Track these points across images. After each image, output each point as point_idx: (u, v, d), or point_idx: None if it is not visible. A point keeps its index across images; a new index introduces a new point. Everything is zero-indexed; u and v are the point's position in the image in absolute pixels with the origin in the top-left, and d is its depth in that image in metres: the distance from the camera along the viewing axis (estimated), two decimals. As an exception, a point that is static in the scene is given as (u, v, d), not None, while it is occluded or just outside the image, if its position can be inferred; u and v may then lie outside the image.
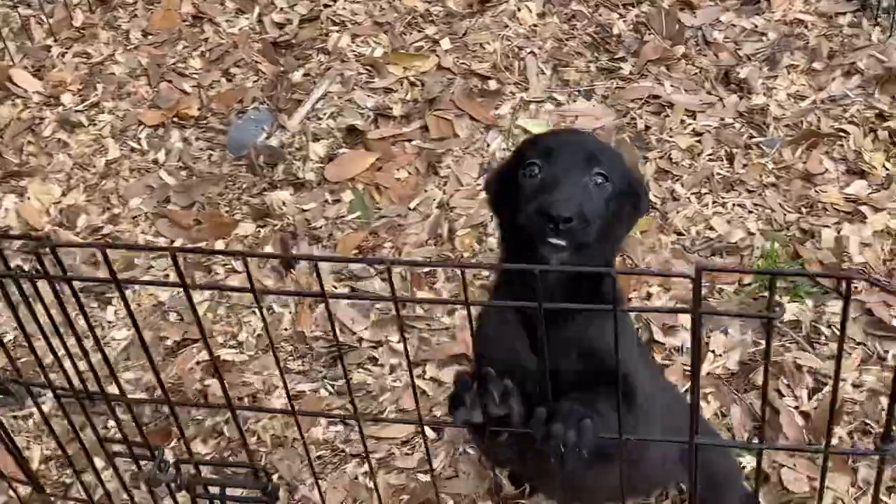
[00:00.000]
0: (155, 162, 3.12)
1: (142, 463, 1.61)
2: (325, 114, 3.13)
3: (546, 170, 1.48)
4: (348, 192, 2.91)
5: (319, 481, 2.24)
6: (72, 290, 1.38)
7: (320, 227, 2.83)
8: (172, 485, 1.55)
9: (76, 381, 1.50)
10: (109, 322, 2.72)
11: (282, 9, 3.50)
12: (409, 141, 3.03)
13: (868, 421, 2.25)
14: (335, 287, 2.69)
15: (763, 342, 2.43)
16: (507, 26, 3.31)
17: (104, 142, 3.20)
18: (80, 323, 1.42)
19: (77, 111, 3.30)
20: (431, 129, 3.04)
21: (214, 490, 1.56)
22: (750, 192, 2.79)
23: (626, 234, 1.68)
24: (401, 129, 3.05)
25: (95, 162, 3.13)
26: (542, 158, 1.49)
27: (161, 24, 3.55)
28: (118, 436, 1.59)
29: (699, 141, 2.92)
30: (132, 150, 3.17)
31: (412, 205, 2.86)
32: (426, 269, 2.71)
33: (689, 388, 1.34)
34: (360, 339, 2.57)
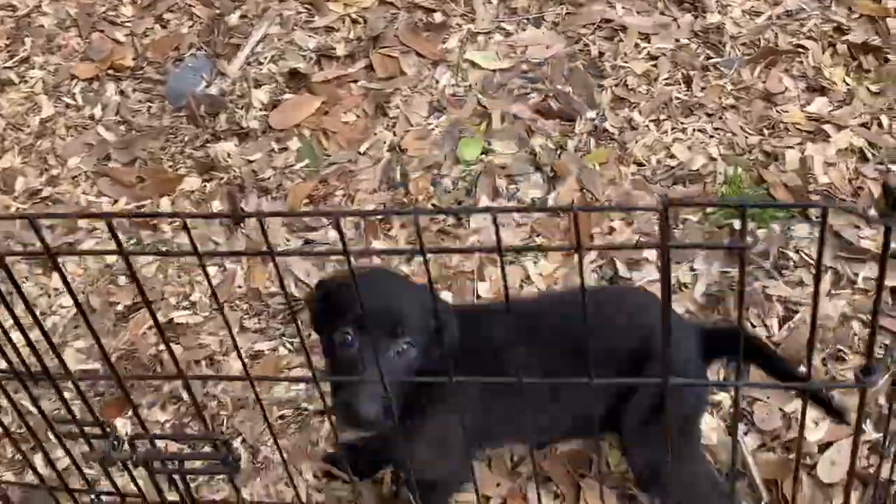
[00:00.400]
0: (92, 118, 2.98)
1: (95, 441, 1.53)
2: (265, 58, 3.00)
3: (357, 342, 1.62)
4: (295, 140, 2.79)
5: (282, 441, 2.18)
6: (4, 269, 1.26)
7: (268, 178, 2.73)
8: (128, 462, 1.46)
9: (18, 360, 1.40)
10: (56, 289, 2.60)
11: (214, -53, 3.35)
12: (355, 82, 2.91)
13: (841, 347, 2.20)
14: (287, 240, 2.60)
15: (731, 271, 2.38)
16: (450, -43, 3.18)
17: (37, 99, 3.05)
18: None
19: (6, 68, 3.14)
20: (377, 69, 2.92)
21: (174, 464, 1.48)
22: (709, 115, 2.71)
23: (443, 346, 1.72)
24: (345, 69, 2.93)
25: (29, 121, 2.99)
26: (354, 328, 1.62)
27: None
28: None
29: (655, 65, 2.83)
30: (67, 106, 3.03)
31: (362, 149, 2.76)
32: (381, 217, 2.61)
33: (662, 316, 1.31)
34: (317, 293, 2.48)
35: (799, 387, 1.30)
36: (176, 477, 1.52)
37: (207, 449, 1.47)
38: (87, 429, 1.53)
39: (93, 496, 1.59)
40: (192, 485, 1.62)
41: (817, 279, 1.06)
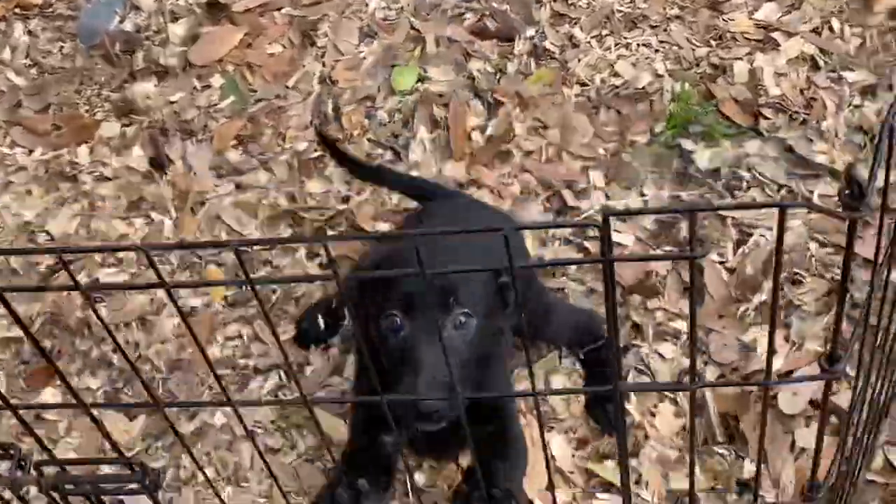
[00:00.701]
0: (0, 62, 2.79)
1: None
2: (179, -15, 2.81)
3: (409, 328, 1.47)
4: (218, 76, 2.63)
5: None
6: None
7: (192, 120, 2.56)
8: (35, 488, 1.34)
9: None
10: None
11: None
12: (279, 10, 2.73)
13: (798, 270, 2.12)
14: (216, 186, 2.45)
15: (682, 195, 2.28)
16: None
17: (-67, 46, 2.84)
18: None
19: None
20: (302, -9, 2.74)
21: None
22: (654, 27, 2.58)
23: (511, 319, 1.62)
24: (265, -3, 2.75)
25: (-70, 69, 2.79)
26: (403, 311, 1.46)
27: None
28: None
29: (595, -24, 2.68)
30: (-38, 54, 2.82)
31: (290, 83, 2.60)
32: (315, 155, 2.47)
33: (608, 328, 1.22)
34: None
35: (759, 384, 1.25)
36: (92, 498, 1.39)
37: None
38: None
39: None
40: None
41: (774, 298, 0.95)
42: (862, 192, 0.76)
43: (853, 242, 0.83)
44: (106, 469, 1.19)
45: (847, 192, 0.77)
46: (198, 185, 2.45)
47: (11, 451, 1.32)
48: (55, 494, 1.31)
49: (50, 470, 1.32)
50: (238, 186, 2.44)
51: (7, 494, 1.45)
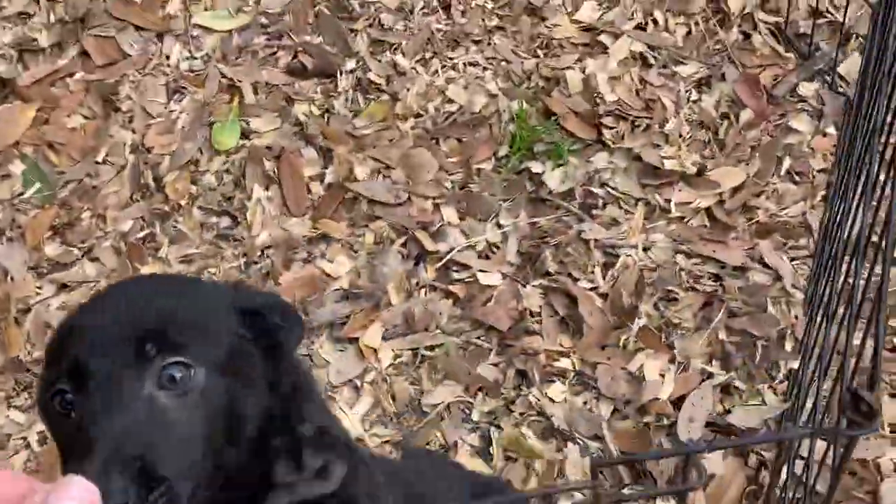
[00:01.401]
0: None
1: None
2: (-50, 63, 2.50)
3: (79, 400, 0.90)
4: (17, 162, 2.36)
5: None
6: None
7: (-4, 219, 2.30)
8: None
9: None
10: None
11: None
12: (71, 76, 2.47)
13: (671, 287, 2.09)
14: (39, 288, 2.21)
15: (540, 220, 2.20)
16: None
17: None
18: None
19: None
20: (94, 55, 2.48)
21: None
22: (477, 42, 2.47)
23: (282, 379, 1.03)
24: (55, 63, 2.48)
25: None
26: (71, 381, 0.91)
27: None
28: None
29: (405, -4, 2.54)
30: None
31: (99, 157, 2.36)
32: (142, 234, 2.26)
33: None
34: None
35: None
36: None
37: None
38: None
39: None
40: None
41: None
42: (872, 411, 0.68)
43: (847, 459, 0.75)
44: None
45: (851, 407, 0.68)
46: (17, 290, 2.21)
47: None
48: None
49: None
50: (64, 286, 2.21)
51: None
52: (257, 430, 0.97)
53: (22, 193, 2.33)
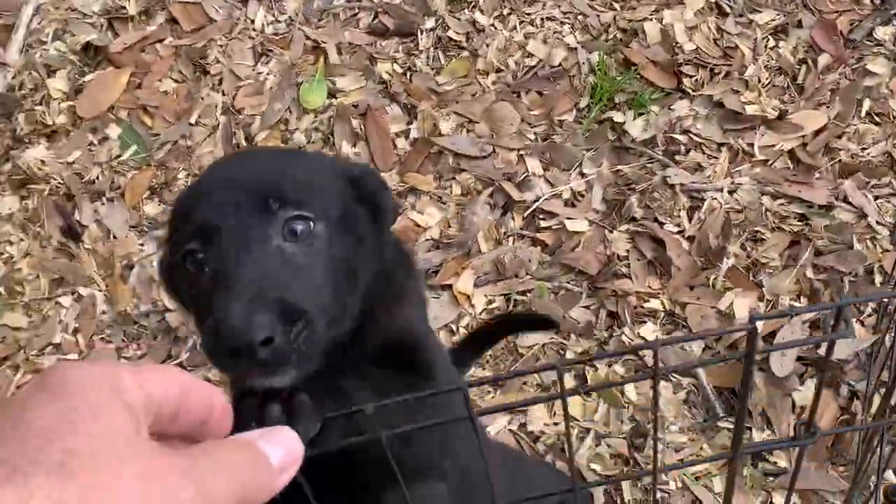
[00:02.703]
0: None
1: None
2: (47, 35, 2.59)
3: (212, 255, 0.94)
4: (113, 126, 2.44)
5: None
6: None
7: (96, 178, 2.39)
8: None
9: None
10: None
11: None
12: (160, 42, 2.55)
13: (758, 228, 2.13)
14: (141, 245, 2.30)
15: (623, 168, 2.25)
16: None
17: None
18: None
19: None
20: (181, 21, 2.57)
21: None
22: (553, -1, 2.52)
23: (383, 246, 1.08)
24: (145, 30, 2.56)
25: None
26: (200, 239, 0.94)
27: None
28: None
29: (482, -47, 2.60)
30: None
31: (192, 119, 2.44)
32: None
33: (738, 413, 1.18)
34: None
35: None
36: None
37: None
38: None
39: None
40: None
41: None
42: None
43: None
44: None
45: None
46: (120, 248, 2.29)
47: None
48: None
49: None
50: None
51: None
52: (368, 288, 1.03)
53: (119, 156, 2.41)
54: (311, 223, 0.96)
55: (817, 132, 2.22)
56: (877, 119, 2.24)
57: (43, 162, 2.41)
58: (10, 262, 2.31)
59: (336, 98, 2.42)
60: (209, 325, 0.87)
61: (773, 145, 2.22)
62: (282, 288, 0.89)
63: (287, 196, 0.95)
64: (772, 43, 2.37)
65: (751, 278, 2.09)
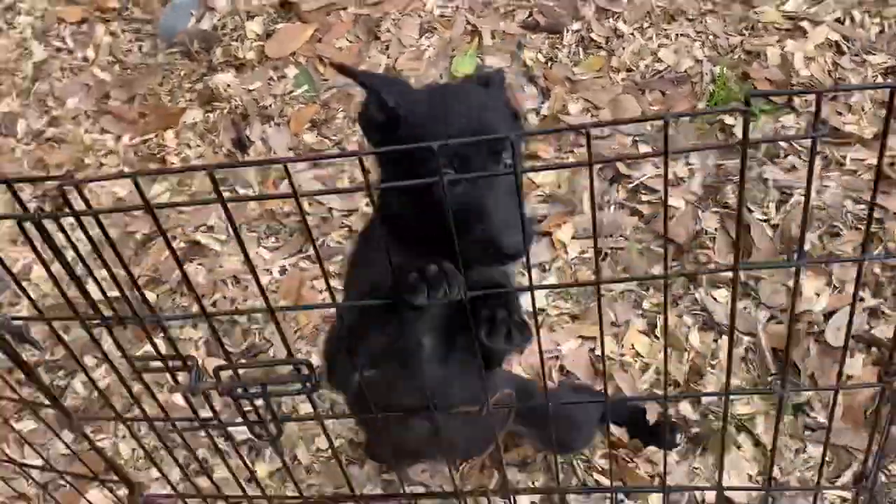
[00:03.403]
0: (85, 59, 3.02)
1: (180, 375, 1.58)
2: (254, -11, 3.06)
3: (466, 184, 1.33)
4: (292, 68, 2.86)
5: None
6: (99, 224, 1.20)
7: (269, 106, 2.79)
8: (212, 392, 1.50)
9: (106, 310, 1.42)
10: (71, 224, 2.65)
11: None
12: (344, 9, 2.98)
13: (836, 223, 2.34)
14: (295, 165, 2.67)
15: (726, 163, 2.50)
16: None
17: (28, 44, 3.08)
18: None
19: (-10, 17, 3.16)
20: (367, -6, 3.00)
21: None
22: (690, 20, 2.83)
23: None
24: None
25: (22, 66, 3.02)
26: (453, 161, 1.33)
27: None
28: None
29: (634, -24, 2.94)
30: (58, 49, 3.06)
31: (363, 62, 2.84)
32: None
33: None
34: (331, 210, 2.56)
35: (831, 387, 1.31)
36: (259, 402, 1.54)
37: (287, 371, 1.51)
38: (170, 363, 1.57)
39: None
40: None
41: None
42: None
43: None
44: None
45: None
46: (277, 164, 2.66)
47: (189, 363, 1.47)
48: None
49: (225, 375, 1.49)
50: (315, 164, 2.66)
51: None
52: None
53: (292, 91, 2.81)
54: (511, 156, 1.34)
55: (906, 153, 2.43)
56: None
57: (228, 86, 2.83)
58: (186, 161, 2.72)
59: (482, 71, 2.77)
60: (479, 235, 1.29)
61: (864, 160, 2.44)
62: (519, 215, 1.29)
63: (506, 147, 1.33)
64: (880, 80, 2.60)
65: (823, 266, 2.29)
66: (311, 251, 2.50)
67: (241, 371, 1.46)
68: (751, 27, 2.77)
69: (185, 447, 1.39)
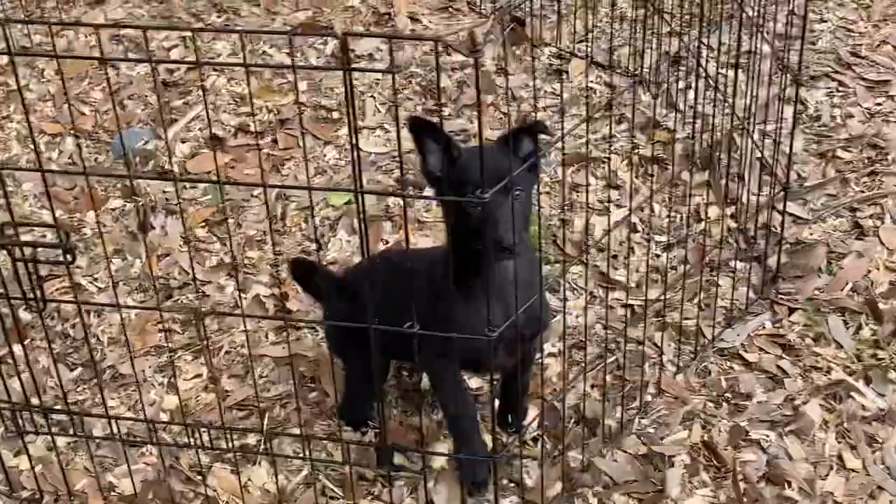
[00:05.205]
0: (49, 159, 3.73)
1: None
2: (195, 127, 3.79)
3: (482, 208, 2.01)
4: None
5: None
6: None
7: (176, 204, 3.43)
8: None
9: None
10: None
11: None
12: (260, 149, 3.67)
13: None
14: (192, 235, 3.27)
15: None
16: (356, 78, 4.02)
17: (9, 144, 3.82)
18: None
19: (-11, 123, 3.95)
20: (280, 142, 3.71)
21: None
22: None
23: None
24: (255, 140, 3.71)
25: (-3, 157, 3.75)
26: (478, 186, 1.88)
27: (71, 69, 4.18)
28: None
29: None
30: (30, 150, 3.79)
31: (256, 192, 3.48)
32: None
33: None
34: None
35: None
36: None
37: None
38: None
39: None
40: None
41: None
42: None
43: None
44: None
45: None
46: (169, 243, 3.27)
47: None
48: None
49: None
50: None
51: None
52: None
53: (198, 197, 3.47)
54: (521, 193, 2.09)
55: None
56: None
57: (148, 185, 3.49)
58: (97, 233, 3.34)
59: (351, 203, 3.39)
60: (489, 237, 2.02)
61: None
62: (515, 223, 2.00)
63: (515, 182, 1.98)
64: None
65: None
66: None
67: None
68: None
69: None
